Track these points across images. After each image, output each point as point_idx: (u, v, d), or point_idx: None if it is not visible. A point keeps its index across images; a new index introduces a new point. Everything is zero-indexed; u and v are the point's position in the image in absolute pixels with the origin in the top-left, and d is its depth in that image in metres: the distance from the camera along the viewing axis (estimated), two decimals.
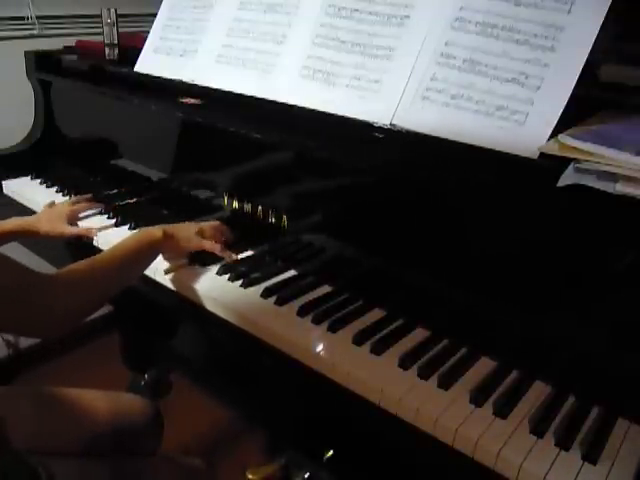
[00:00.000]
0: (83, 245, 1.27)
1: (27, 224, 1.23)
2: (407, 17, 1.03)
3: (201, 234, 1.12)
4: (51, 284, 0.83)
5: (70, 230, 1.25)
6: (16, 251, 1.43)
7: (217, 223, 1.18)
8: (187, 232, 1.10)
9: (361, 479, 0.90)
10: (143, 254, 1.02)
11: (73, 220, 1.29)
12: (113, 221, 1.31)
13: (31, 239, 1.28)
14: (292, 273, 1.11)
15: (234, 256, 1.14)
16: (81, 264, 0.90)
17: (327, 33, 1.12)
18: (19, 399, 1.01)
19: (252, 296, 1.03)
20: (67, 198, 1.45)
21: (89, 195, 1.41)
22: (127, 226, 1.29)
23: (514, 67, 0.90)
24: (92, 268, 0.91)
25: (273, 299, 1.01)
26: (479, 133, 0.90)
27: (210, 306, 1.03)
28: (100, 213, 1.36)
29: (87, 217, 1.34)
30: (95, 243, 1.26)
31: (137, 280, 1.07)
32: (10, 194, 1.52)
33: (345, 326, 0.95)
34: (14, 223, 1.22)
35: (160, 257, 1.10)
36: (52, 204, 1.34)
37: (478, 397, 0.81)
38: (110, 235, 1.25)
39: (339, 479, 0.99)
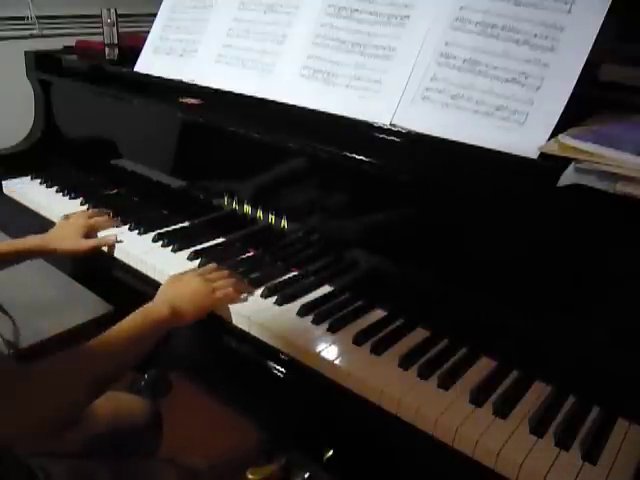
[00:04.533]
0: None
1: (43, 243, 1.17)
2: (407, 17, 1.03)
3: (212, 288, 1.00)
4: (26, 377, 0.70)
5: (87, 244, 1.18)
6: None
7: (225, 272, 1.05)
8: (198, 299, 0.97)
9: (361, 479, 0.90)
10: (147, 338, 0.88)
11: (90, 234, 1.22)
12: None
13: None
14: (292, 273, 1.11)
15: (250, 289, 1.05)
16: (76, 350, 0.78)
17: (327, 33, 1.12)
18: None
19: (252, 296, 1.03)
20: (66, 198, 1.45)
21: (107, 211, 1.33)
22: (127, 226, 1.28)
23: (514, 67, 0.90)
24: (87, 353, 0.79)
25: (273, 299, 1.01)
26: (479, 133, 0.90)
27: None
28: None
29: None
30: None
31: (135, 279, 1.06)
32: (10, 194, 1.52)
33: (345, 326, 0.95)
34: (30, 243, 1.16)
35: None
36: (67, 217, 1.27)
37: (478, 397, 0.81)
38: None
39: (339, 479, 0.99)
